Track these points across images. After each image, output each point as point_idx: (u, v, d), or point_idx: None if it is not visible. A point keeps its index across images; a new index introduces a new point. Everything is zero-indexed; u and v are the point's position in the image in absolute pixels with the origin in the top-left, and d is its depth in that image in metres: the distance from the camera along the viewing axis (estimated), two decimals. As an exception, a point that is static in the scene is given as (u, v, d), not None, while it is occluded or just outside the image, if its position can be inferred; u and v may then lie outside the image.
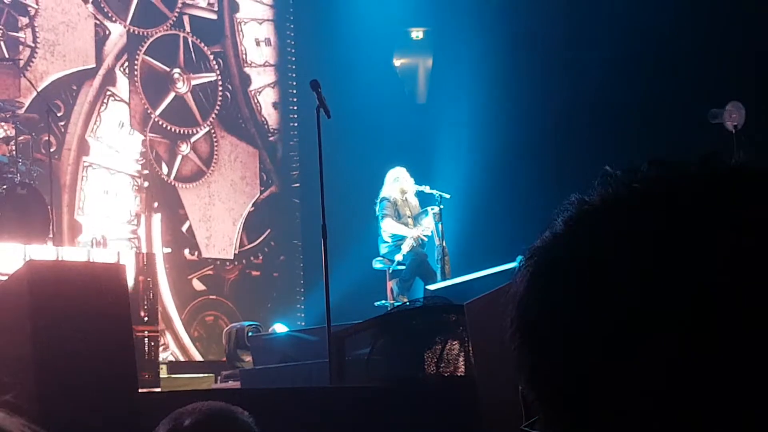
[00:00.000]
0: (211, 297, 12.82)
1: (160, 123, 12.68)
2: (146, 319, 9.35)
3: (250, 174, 13.57)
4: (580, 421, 0.77)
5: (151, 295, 9.83)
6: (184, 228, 12.78)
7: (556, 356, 0.78)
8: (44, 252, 9.04)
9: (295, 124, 13.74)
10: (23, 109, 10.57)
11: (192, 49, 13.16)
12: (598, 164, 0.85)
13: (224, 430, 2.06)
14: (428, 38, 14.04)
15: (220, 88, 13.36)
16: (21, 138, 10.09)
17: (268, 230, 13.52)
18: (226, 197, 13.25)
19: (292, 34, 13.95)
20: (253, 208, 13.46)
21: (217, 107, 13.29)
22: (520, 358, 0.83)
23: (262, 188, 13.65)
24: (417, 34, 14.08)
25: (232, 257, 13.17)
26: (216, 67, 13.34)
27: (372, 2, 13.13)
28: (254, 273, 13.35)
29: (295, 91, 13.72)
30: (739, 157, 0.81)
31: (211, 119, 13.22)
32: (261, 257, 13.44)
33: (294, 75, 13.78)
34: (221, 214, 13.15)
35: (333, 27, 13.13)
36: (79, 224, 11.78)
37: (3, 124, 10.20)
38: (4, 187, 9.12)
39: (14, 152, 9.75)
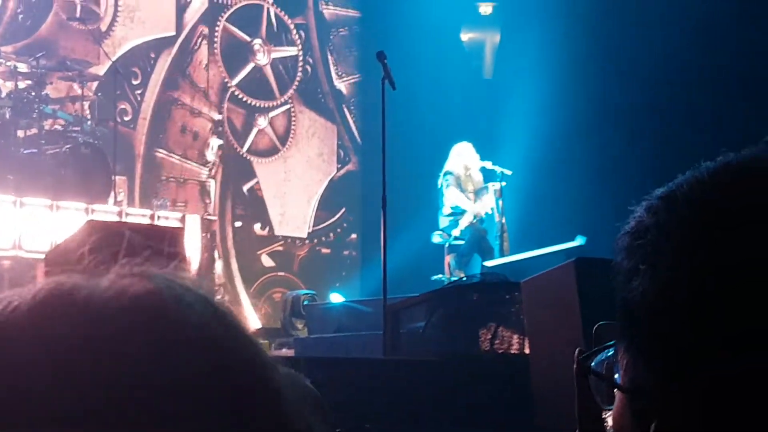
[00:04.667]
0: (279, 274, 12.72)
1: (238, 95, 12.57)
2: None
3: (327, 150, 13.44)
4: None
5: (213, 271, 9.91)
6: (257, 203, 12.74)
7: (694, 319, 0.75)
8: (108, 212, 9.13)
9: (361, 98, 13.62)
10: (97, 72, 10.62)
11: (274, 21, 13.01)
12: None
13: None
14: (496, 13, 13.93)
15: (301, 61, 13.22)
16: (88, 98, 10.16)
17: (343, 209, 13.41)
18: (302, 173, 13.11)
19: (359, 5, 13.87)
20: (329, 186, 13.36)
21: (297, 80, 13.16)
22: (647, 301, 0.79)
23: (339, 165, 13.53)
24: (485, 9, 13.97)
25: (305, 236, 13.05)
26: (298, 39, 13.20)
27: (441, -24, 13.06)
28: (324, 250, 13.26)
29: (355, 57, 13.62)
30: None
31: (290, 93, 13.09)
32: (333, 235, 13.36)
33: (362, 47, 13.67)
34: (296, 191, 13.00)
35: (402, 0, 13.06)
36: (152, 192, 11.74)
37: (71, 83, 10.26)
38: (68, 146, 9.21)
39: (80, 112, 9.84)
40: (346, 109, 13.62)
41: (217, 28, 12.48)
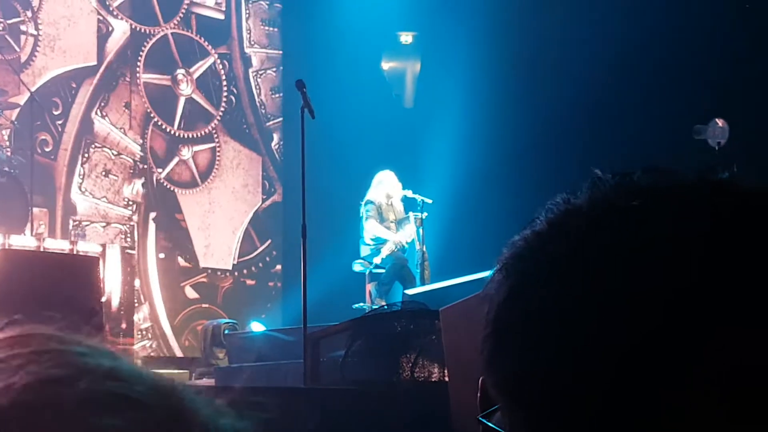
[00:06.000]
0: (203, 305, 12.53)
1: (161, 125, 12.41)
2: (124, 327, 9.32)
3: (252, 181, 13.31)
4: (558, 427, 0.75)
5: (134, 304, 9.78)
6: (181, 235, 12.55)
7: (531, 363, 0.75)
8: (26, 242, 8.98)
9: (284, 128, 13.55)
10: (17, 101, 10.45)
11: (197, 50, 12.92)
12: (580, 174, 0.83)
13: None
14: (417, 43, 14.03)
15: (225, 92, 13.13)
16: (5, 126, 10.01)
17: (269, 240, 13.30)
18: (227, 205, 12.95)
19: (280, 35, 13.84)
20: (254, 217, 13.21)
21: (221, 110, 13.06)
22: (493, 359, 0.80)
23: (264, 197, 13.41)
24: (406, 38, 14.06)
25: (230, 267, 12.90)
26: (221, 68, 13.10)
27: (362, 5, 13.10)
28: (249, 282, 13.12)
29: (280, 94, 13.59)
30: (734, 171, 0.78)
31: (214, 123, 12.97)
32: (259, 267, 13.24)
33: (283, 76, 13.62)
34: (221, 223, 12.84)
35: (322, 29, 13.09)
36: (75, 226, 11.51)
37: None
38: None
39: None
40: (271, 140, 13.53)
41: (139, 58, 12.36)
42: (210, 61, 13.01)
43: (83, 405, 0.54)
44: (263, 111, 13.53)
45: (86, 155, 11.73)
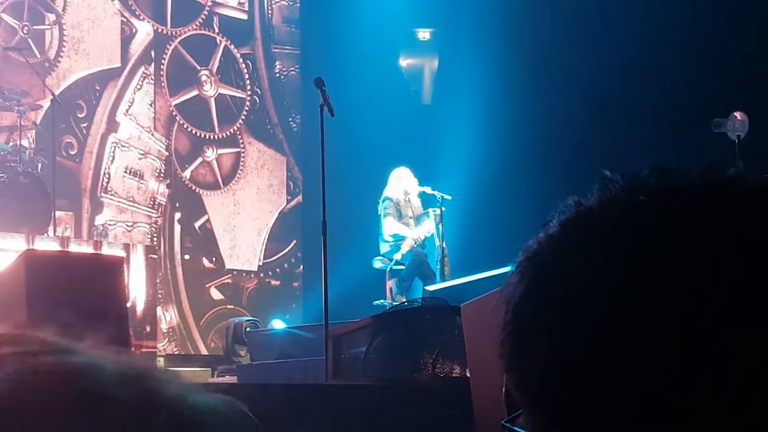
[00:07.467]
0: (228, 306, 12.52)
1: (186, 126, 12.41)
2: (148, 330, 9.35)
3: (277, 182, 13.29)
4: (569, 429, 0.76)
5: (157, 307, 9.80)
6: (206, 236, 12.54)
7: (547, 363, 0.77)
8: (50, 244, 9.02)
9: (297, 124, 13.54)
10: (41, 104, 10.49)
11: (221, 51, 12.90)
12: (600, 170, 0.84)
13: None
14: (435, 39, 14.03)
15: (249, 92, 13.13)
16: (27, 127, 10.04)
17: (294, 241, 13.30)
18: (252, 206, 12.94)
19: (299, 32, 13.84)
20: (279, 218, 13.21)
21: (245, 111, 13.03)
22: (511, 361, 0.82)
23: (289, 197, 13.38)
24: (423, 34, 14.06)
25: (256, 269, 12.89)
26: (245, 71, 13.11)
27: (379, 2, 13.11)
28: (274, 282, 13.11)
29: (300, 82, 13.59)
30: (740, 166, 0.79)
31: (238, 124, 12.94)
32: (286, 267, 13.20)
33: (302, 74, 13.60)
34: (246, 224, 12.83)
35: (340, 26, 13.10)
36: (99, 227, 11.54)
37: (7, 112, 10.12)
38: (6, 176, 9.11)
39: (19, 142, 9.74)
40: (297, 141, 13.50)
41: (163, 60, 12.35)
42: (240, 94, 13.02)
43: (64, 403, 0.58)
44: (286, 111, 13.51)
45: (111, 157, 11.75)
